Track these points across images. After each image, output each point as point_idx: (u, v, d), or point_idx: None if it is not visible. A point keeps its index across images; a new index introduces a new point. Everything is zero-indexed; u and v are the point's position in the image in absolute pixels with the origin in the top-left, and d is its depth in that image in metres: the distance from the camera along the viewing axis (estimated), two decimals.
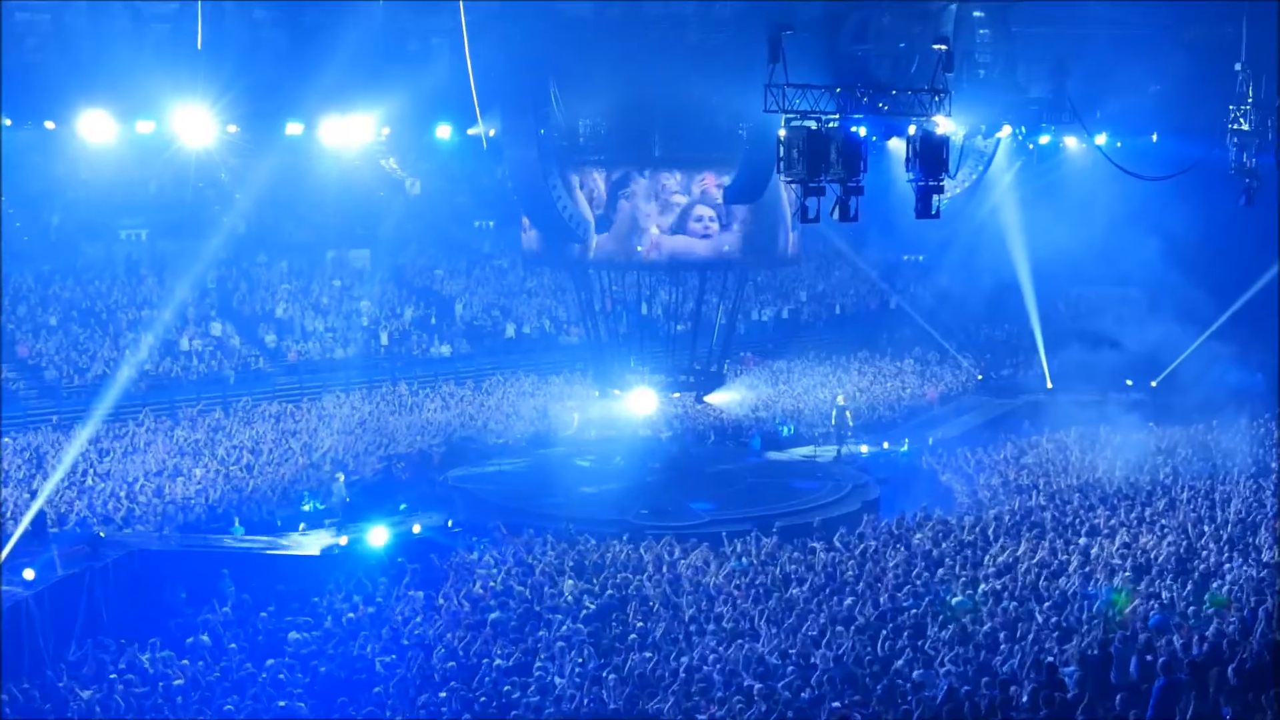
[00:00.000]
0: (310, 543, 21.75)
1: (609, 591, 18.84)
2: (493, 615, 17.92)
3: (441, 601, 18.71)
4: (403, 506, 25.56)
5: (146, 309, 36.70)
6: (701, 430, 33.14)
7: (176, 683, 16.01)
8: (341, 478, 24.84)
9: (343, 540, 21.94)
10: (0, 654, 16.80)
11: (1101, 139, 32.77)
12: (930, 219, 19.66)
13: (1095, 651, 15.33)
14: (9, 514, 21.78)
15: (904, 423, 34.21)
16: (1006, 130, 31.97)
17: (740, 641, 16.78)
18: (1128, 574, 18.45)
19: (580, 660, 16.33)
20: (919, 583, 18.80)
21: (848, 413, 30.14)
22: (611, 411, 32.53)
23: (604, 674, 15.69)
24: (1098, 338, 39.17)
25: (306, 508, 24.63)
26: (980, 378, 39.44)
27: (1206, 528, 21.03)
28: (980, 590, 18.33)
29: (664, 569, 20.21)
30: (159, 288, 37.66)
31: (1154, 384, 34.46)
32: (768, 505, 25.93)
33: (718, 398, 32.40)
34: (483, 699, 15.12)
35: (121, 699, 15.35)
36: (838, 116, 18.63)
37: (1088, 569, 18.86)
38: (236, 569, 20.64)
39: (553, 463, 28.92)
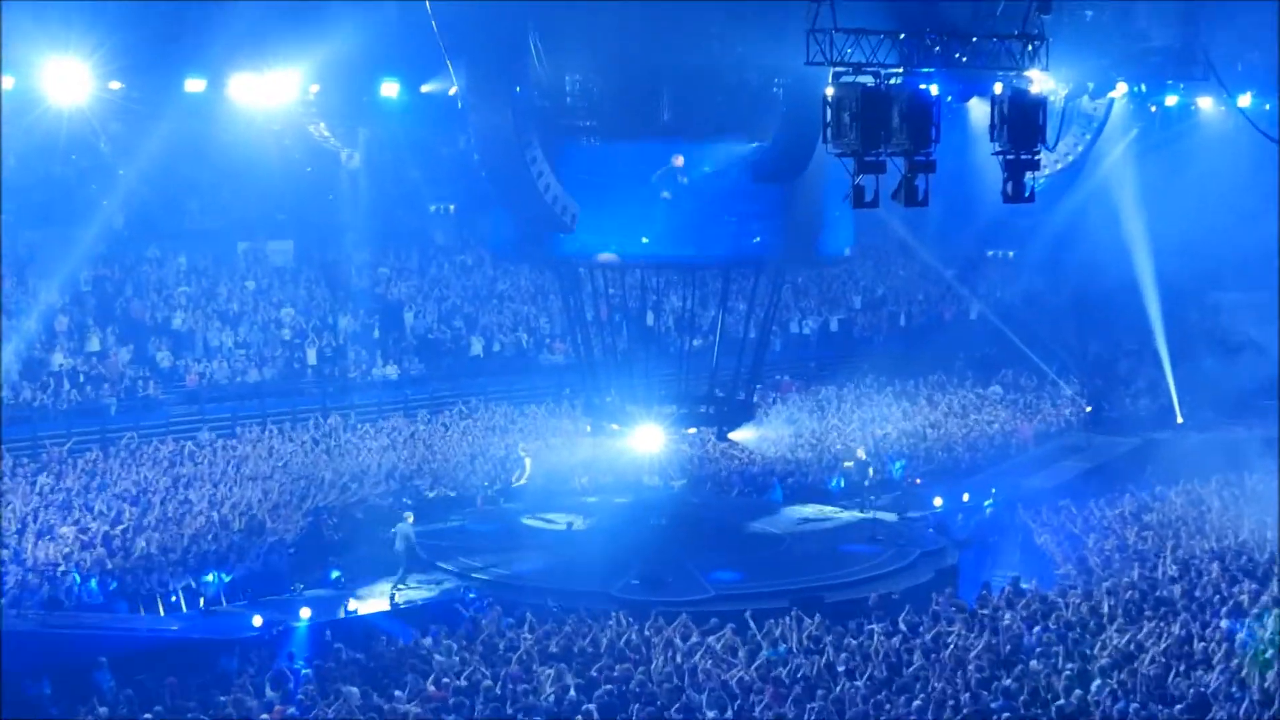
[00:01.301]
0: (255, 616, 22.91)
1: (605, 687, 18.89)
2: None
3: (382, 703, 18.73)
4: (336, 575, 25.83)
5: (3, 318, 36.86)
6: (724, 478, 33.42)
7: None
8: (410, 518, 26.32)
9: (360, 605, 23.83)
10: None
11: (1245, 100, 32.81)
12: (1022, 203, 19.66)
13: None
14: None
15: (989, 468, 34.49)
16: (1121, 89, 32.02)
17: None
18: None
19: None
20: (1010, 678, 18.83)
21: (870, 470, 30.52)
22: (608, 453, 32.70)
23: None
24: (1238, 343, 39.25)
25: (210, 578, 25.02)
26: (1089, 409, 39.55)
27: None
28: (1092, 689, 18.33)
29: (676, 658, 20.32)
30: (20, 290, 37.89)
31: None
32: (810, 575, 26.22)
33: (745, 435, 32.50)
34: None
35: None
36: (901, 70, 18.52)
37: (1233, 661, 18.89)
38: (118, 657, 20.71)
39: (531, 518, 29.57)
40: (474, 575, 26.36)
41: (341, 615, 23.90)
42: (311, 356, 39.01)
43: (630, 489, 31.31)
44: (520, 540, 28.06)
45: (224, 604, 24.65)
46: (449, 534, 28.71)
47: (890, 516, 30.12)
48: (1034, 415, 38.70)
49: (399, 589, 25.17)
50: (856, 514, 30.43)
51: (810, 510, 30.92)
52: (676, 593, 25.00)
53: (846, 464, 31.59)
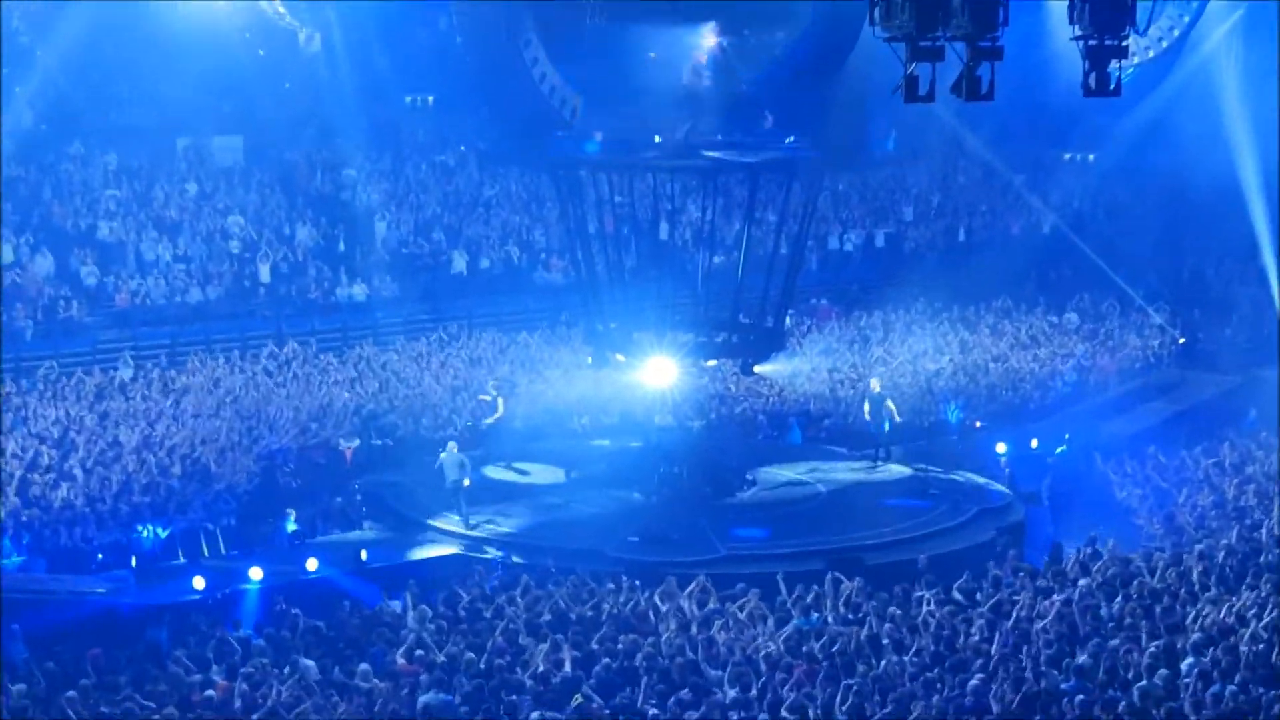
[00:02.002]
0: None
1: (604, 662, 18.90)
2: (424, 699, 18.08)
3: (344, 679, 18.80)
4: (292, 527, 26.04)
5: None
6: (748, 419, 33.46)
7: None
8: (454, 448, 27.41)
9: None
10: None
11: None
12: (1107, 96, 19.53)
13: None
14: None
15: (1063, 410, 34.46)
16: None
17: None
18: None
19: None
20: (1084, 655, 18.80)
21: (889, 403, 30.49)
22: (612, 388, 32.64)
23: None
24: None
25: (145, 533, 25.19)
26: (1181, 341, 39.41)
27: None
28: (1182, 667, 18.31)
29: (692, 629, 20.40)
30: None
31: None
32: (850, 533, 26.36)
33: (774, 369, 32.47)
34: None
35: None
36: None
37: None
38: (33, 625, 20.80)
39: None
40: (451, 531, 26.57)
41: (299, 576, 24.05)
42: (264, 273, 38.86)
43: (638, 431, 31.33)
44: (510, 491, 28.09)
45: (160, 563, 24.65)
46: (429, 486, 28.88)
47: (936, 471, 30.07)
48: (1116, 348, 38.53)
49: (470, 526, 26.34)
50: (870, 464, 30.52)
51: (855, 463, 30.96)
52: (681, 551, 25.22)
53: (874, 385, 31.34)
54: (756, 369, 30.22)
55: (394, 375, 34.59)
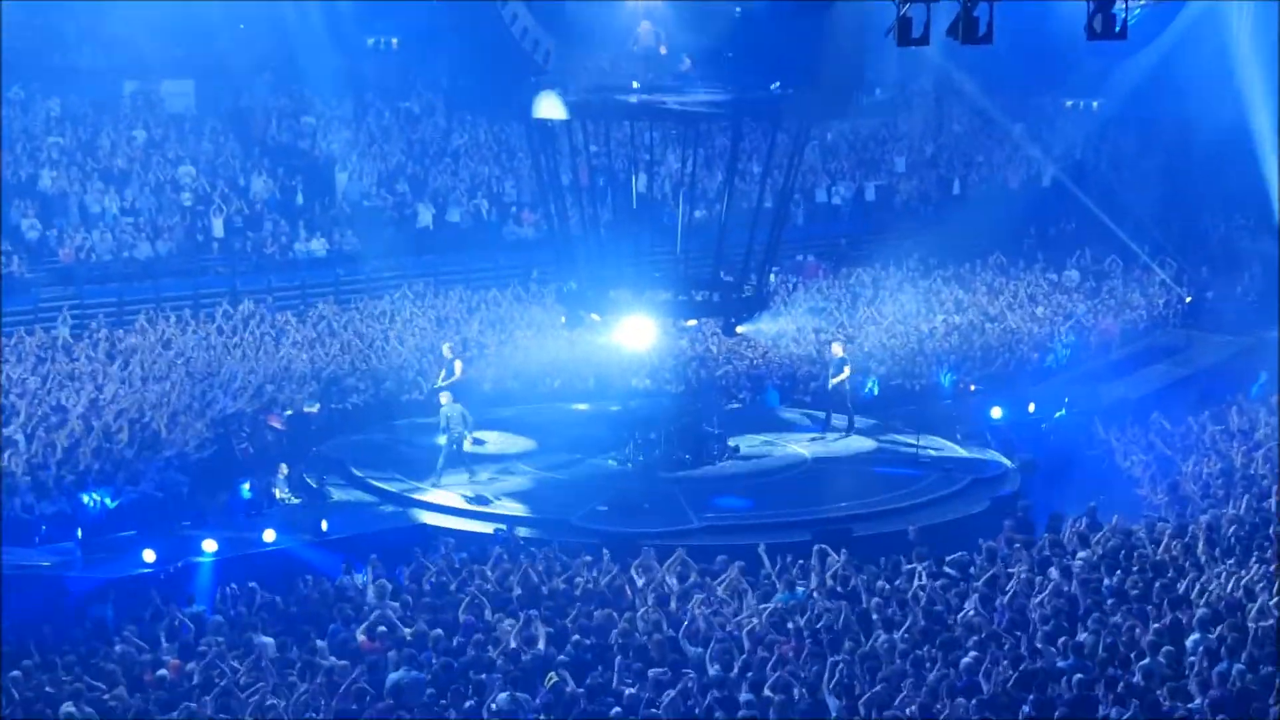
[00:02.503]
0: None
1: (575, 639, 18.91)
2: (394, 676, 18.12)
3: (304, 656, 18.82)
4: (247, 492, 26.15)
5: None
6: (730, 382, 33.55)
7: None
8: (447, 399, 27.61)
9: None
10: None
11: None
12: (1112, 40, 19.44)
13: None
14: None
15: (1062, 372, 34.59)
16: None
17: None
18: None
19: None
20: (1084, 632, 18.88)
21: (845, 370, 30.50)
22: (587, 350, 32.71)
23: None
24: None
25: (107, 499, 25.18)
26: (1188, 300, 39.47)
27: None
28: (1187, 644, 18.37)
29: (670, 604, 20.49)
30: None
31: None
32: (837, 503, 26.48)
33: (759, 329, 32.46)
34: None
35: None
36: None
37: None
38: None
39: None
40: (412, 496, 26.68)
41: (255, 548, 24.05)
42: (218, 227, 38.81)
43: (614, 395, 31.30)
44: (476, 459, 28.14)
45: (107, 535, 24.60)
46: (390, 453, 28.93)
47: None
48: (1119, 307, 38.59)
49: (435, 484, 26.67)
50: (823, 435, 30.49)
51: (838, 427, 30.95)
52: (654, 522, 25.29)
53: (836, 349, 31.21)
54: (739, 329, 30.05)
55: (356, 336, 34.55)
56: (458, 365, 30.41)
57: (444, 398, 27.59)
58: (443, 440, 27.18)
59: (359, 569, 22.34)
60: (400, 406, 31.32)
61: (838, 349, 31.21)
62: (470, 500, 26.38)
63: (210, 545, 23.34)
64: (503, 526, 24.79)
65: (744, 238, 29.45)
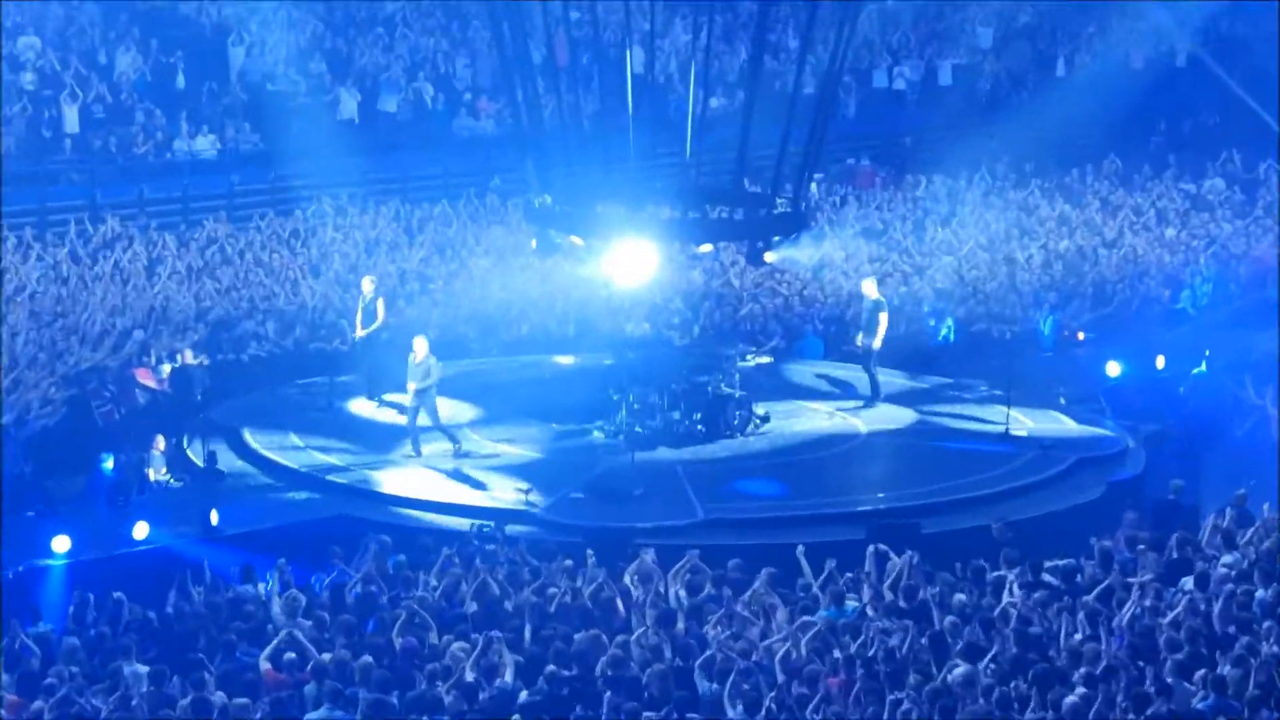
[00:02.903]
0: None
1: (550, 670, 18.91)
2: (312, 718, 18.07)
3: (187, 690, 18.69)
4: (108, 465, 26.05)
5: None
6: (757, 328, 33.54)
7: None
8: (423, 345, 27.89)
9: None
10: None
11: None
12: None
13: None
14: None
15: (1201, 316, 34.64)
16: None
17: None
18: None
19: None
20: (1228, 663, 18.68)
21: (882, 319, 30.33)
22: (564, 284, 32.85)
23: None
24: None
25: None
26: None
27: None
28: None
29: (675, 624, 20.42)
30: None
31: None
32: (899, 491, 26.58)
33: (795, 256, 32.32)
34: None
35: None
36: None
37: None
38: None
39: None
40: (331, 479, 26.71)
41: (123, 547, 23.93)
42: (71, 119, 38.85)
43: (601, 346, 31.29)
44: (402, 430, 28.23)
45: None
46: (306, 422, 29.00)
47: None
48: (1277, 228, 38.47)
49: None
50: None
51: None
52: (648, 514, 25.28)
53: (869, 289, 31.07)
54: (768, 257, 29.97)
55: (256, 264, 34.52)
56: (381, 306, 30.21)
57: (419, 345, 27.64)
58: (411, 399, 27.45)
59: (261, 575, 22.19)
60: (316, 359, 31.23)
61: (870, 288, 30.94)
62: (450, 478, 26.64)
63: (62, 543, 23.17)
64: (488, 524, 24.58)
65: (776, 135, 29.28)
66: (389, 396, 29.57)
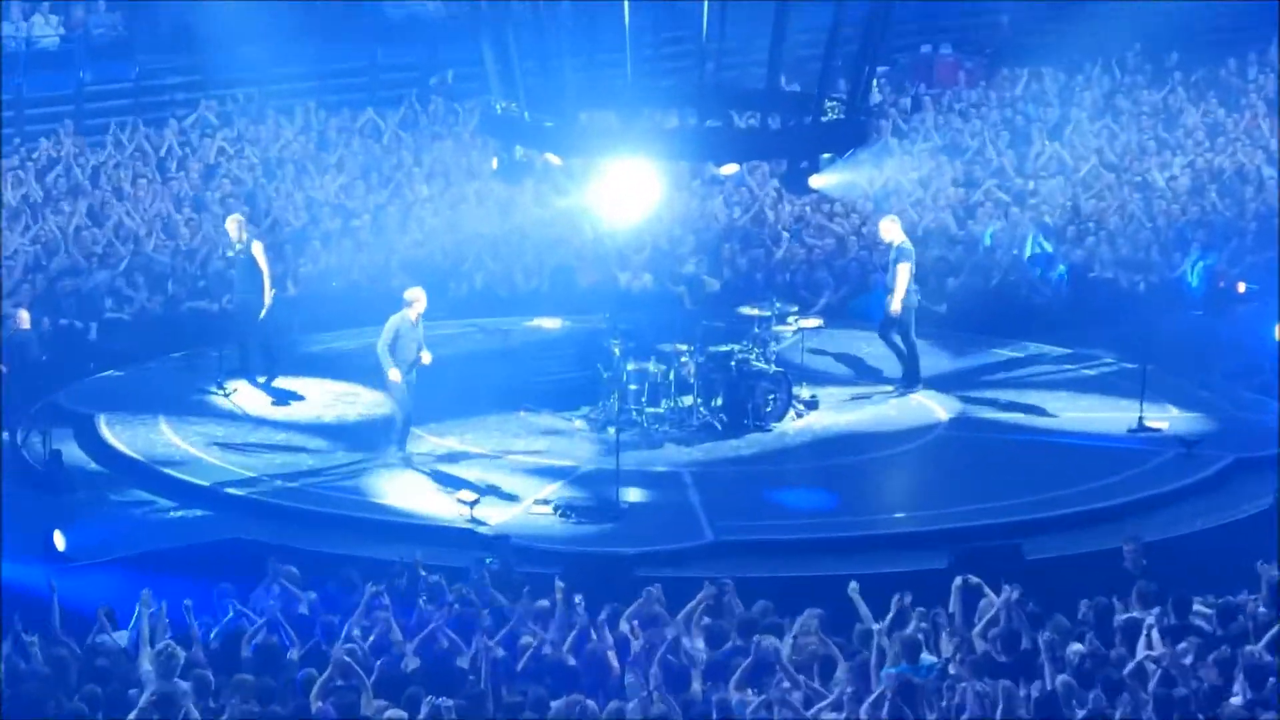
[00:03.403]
0: None
1: None
2: None
3: None
4: None
5: None
6: (798, 277, 33.79)
7: None
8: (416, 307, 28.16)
9: None
10: None
11: None
12: None
13: None
14: None
15: None
16: None
17: None
18: None
19: None
20: None
21: (901, 268, 30.25)
22: (539, 220, 33.36)
23: None
24: None
25: None
26: None
27: None
28: None
29: (690, 686, 20.35)
30: None
31: None
32: (990, 502, 26.56)
33: (852, 180, 32.27)
34: None
35: None
36: None
37: None
38: None
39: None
40: (222, 488, 26.81)
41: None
42: None
43: (586, 304, 31.58)
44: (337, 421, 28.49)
45: None
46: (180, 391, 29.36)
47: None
48: None
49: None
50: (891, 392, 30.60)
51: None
52: (638, 535, 25.38)
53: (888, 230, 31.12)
54: (815, 181, 30.04)
55: (116, 196, 34.76)
56: (259, 253, 30.18)
57: (417, 299, 27.89)
58: (395, 373, 27.51)
59: (124, 620, 22.20)
60: (194, 322, 31.51)
61: (890, 228, 30.89)
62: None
63: None
64: (490, 560, 24.66)
65: (824, 15, 29.37)
66: (283, 380, 30.01)
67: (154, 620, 21.96)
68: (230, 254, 30.35)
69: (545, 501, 26.38)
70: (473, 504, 25.84)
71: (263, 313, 30.01)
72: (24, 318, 30.04)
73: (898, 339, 30.31)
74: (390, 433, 27.89)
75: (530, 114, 28.52)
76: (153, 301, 31.81)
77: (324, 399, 30.00)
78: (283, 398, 29.85)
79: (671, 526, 25.84)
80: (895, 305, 29.98)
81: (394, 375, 27.53)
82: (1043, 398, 30.25)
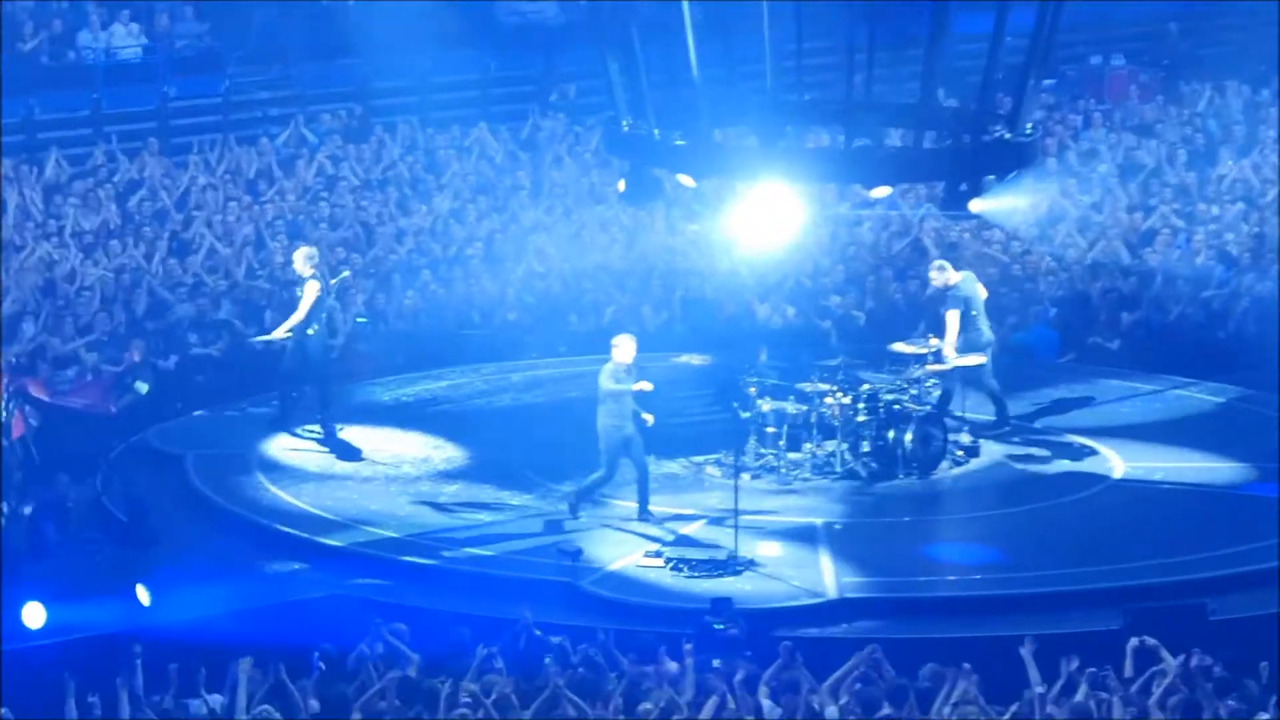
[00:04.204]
0: None
1: None
2: None
3: None
4: None
5: None
6: (960, 310, 33.44)
7: None
8: None
9: None
10: None
11: None
12: None
13: None
14: None
15: None
16: None
17: None
18: None
19: None
20: None
21: (949, 316, 30.13)
22: (668, 248, 33.42)
23: None
24: None
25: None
26: None
27: None
28: None
29: None
30: None
31: None
32: (1170, 557, 26.43)
33: (1015, 205, 32.21)
34: None
35: None
36: None
37: None
38: None
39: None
40: (320, 540, 27.03)
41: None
42: None
43: (719, 340, 31.71)
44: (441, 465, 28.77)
45: None
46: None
47: None
48: None
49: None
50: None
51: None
52: (743, 593, 25.15)
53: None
54: (975, 205, 30.06)
55: (200, 219, 34.98)
56: (309, 291, 30.04)
57: (625, 346, 27.94)
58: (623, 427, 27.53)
59: (218, 684, 22.30)
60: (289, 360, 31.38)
61: (940, 276, 31.06)
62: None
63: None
64: (718, 624, 24.67)
65: (985, 23, 29.42)
66: (342, 430, 30.17)
67: (249, 682, 22.06)
68: (299, 291, 30.23)
69: (657, 554, 26.52)
70: (574, 554, 25.95)
71: (264, 339, 30.33)
72: (136, 354, 30.61)
73: (992, 383, 30.58)
74: (580, 489, 27.94)
75: (660, 131, 28.69)
76: (244, 336, 31.82)
77: (425, 446, 30.18)
78: (383, 441, 30.00)
79: (794, 582, 25.84)
80: (948, 350, 29.97)
81: (644, 385, 27.64)
82: (1224, 442, 30.17)
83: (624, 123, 28.90)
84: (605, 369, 27.36)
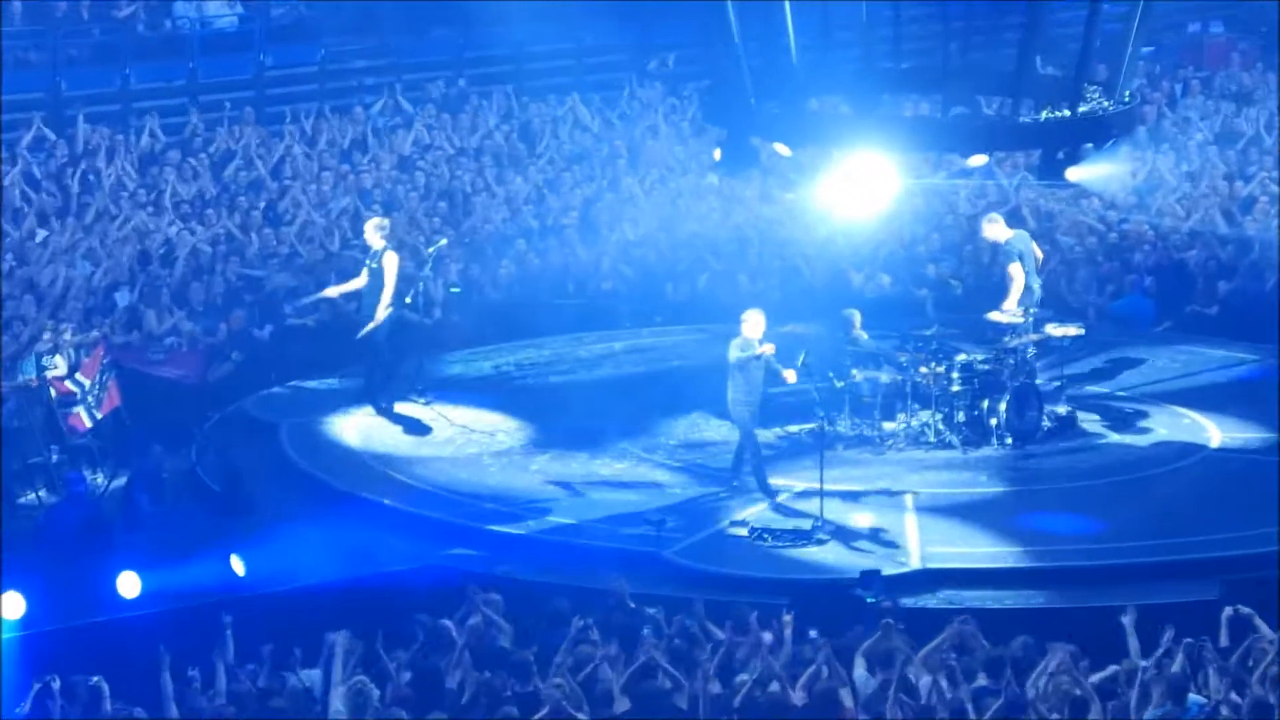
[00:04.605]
0: None
1: None
2: None
3: None
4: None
5: None
6: (1058, 282, 33.59)
7: None
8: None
9: None
10: None
11: None
12: None
13: None
14: None
15: None
16: None
17: None
18: None
19: None
20: None
21: (1011, 269, 29.90)
22: (764, 217, 33.47)
23: None
24: None
25: None
26: None
27: None
28: None
29: None
30: None
31: None
32: (1269, 527, 26.09)
33: (1111, 173, 32.00)
34: None
35: None
36: None
37: None
38: None
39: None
40: (414, 510, 27.13)
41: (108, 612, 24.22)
42: None
43: (815, 309, 31.60)
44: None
45: None
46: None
47: None
48: None
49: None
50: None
51: None
52: (829, 563, 25.38)
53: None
54: (1072, 174, 29.94)
55: (297, 185, 35.27)
56: (389, 264, 29.96)
57: (743, 322, 27.84)
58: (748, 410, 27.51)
59: (311, 655, 22.37)
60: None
61: (992, 228, 31.04)
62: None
63: (12, 605, 23.47)
64: (871, 597, 24.63)
65: None
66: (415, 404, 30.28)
67: (345, 652, 22.03)
68: (372, 264, 30.10)
69: (742, 523, 26.56)
70: (658, 525, 26.01)
71: (369, 327, 29.86)
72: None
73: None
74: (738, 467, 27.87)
75: (756, 100, 28.65)
76: (345, 308, 31.77)
77: (517, 416, 30.28)
78: (474, 412, 30.11)
79: (880, 552, 25.91)
80: (1010, 304, 29.87)
81: (789, 377, 27.65)
82: None
83: (722, 87, 28.92)
84: (734, 342, 27.24)
